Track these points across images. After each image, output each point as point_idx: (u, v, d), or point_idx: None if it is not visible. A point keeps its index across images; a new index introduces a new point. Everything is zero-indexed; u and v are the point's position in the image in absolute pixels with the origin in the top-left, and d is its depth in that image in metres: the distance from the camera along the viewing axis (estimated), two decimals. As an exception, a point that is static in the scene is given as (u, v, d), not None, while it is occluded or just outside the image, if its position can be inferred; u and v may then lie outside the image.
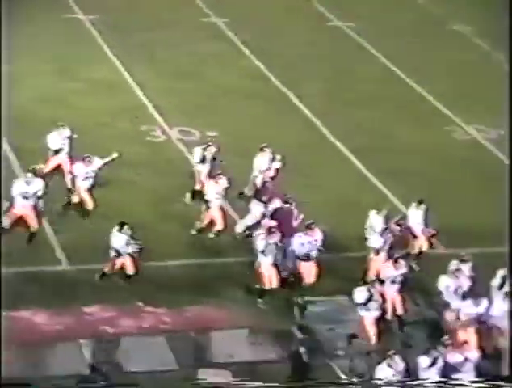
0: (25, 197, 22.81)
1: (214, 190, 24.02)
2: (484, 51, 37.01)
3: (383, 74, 34.38)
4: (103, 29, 35.12)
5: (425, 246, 23.97)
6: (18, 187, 23.09)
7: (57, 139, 25.09)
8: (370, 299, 21.09)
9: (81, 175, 23.98)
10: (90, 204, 24.01)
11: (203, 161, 25.52)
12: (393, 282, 21.92)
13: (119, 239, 21.80)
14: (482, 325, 21.55)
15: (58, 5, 36.24)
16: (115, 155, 24.13)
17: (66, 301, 21.36)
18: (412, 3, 41.14)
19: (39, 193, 22.97)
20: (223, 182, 24.01)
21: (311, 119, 30.71)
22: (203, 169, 25.50)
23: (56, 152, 25.11)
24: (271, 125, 29.80)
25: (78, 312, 21.26)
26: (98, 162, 23.99)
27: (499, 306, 21.48)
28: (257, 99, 31.41)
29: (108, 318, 21.27)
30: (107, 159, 24.04)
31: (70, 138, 25.18)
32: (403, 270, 21.96)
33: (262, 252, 22.01)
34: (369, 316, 21.16)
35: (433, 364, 19.41)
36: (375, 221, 23.63)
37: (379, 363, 19.29)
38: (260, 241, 22.06)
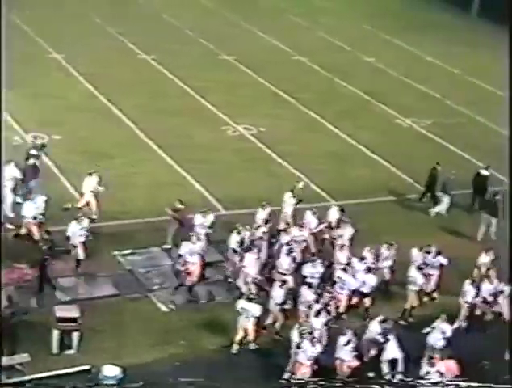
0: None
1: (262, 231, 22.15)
2: (250, 76, 36.38)
3: (178, 91, 33.67)
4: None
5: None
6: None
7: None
8: None
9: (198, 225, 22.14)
10: None
11: (296, 204, 23.47)
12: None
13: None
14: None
15: None
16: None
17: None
18: (194, 40, 40.15)
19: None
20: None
21: (129, 125, 30.06)
22: (289, 211, 23.58)
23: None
24: (100, 130, 29.09)
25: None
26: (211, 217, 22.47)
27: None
28: (90, 111, 30.60)
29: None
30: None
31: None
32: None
33: None
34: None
35: None
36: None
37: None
38: None
